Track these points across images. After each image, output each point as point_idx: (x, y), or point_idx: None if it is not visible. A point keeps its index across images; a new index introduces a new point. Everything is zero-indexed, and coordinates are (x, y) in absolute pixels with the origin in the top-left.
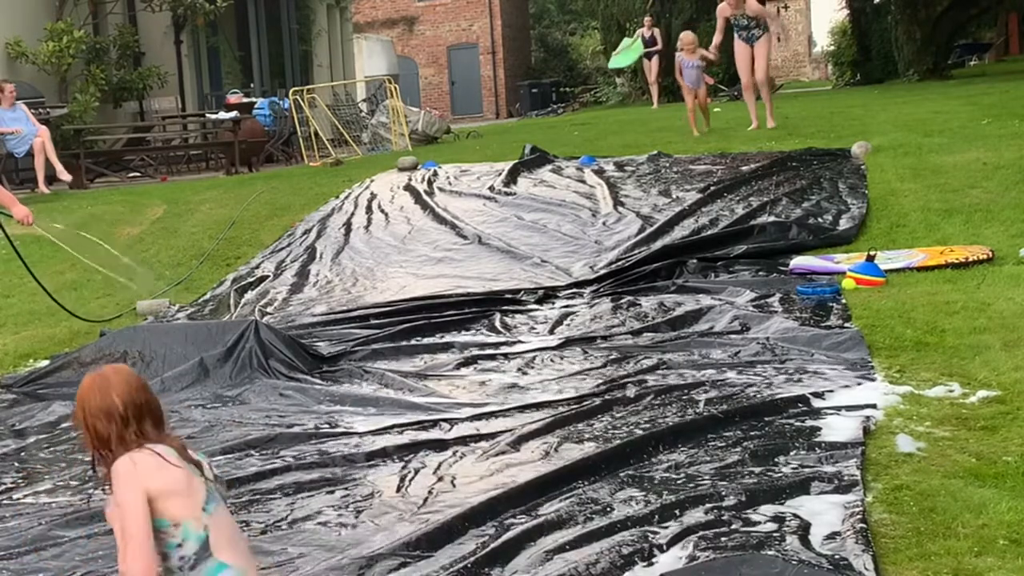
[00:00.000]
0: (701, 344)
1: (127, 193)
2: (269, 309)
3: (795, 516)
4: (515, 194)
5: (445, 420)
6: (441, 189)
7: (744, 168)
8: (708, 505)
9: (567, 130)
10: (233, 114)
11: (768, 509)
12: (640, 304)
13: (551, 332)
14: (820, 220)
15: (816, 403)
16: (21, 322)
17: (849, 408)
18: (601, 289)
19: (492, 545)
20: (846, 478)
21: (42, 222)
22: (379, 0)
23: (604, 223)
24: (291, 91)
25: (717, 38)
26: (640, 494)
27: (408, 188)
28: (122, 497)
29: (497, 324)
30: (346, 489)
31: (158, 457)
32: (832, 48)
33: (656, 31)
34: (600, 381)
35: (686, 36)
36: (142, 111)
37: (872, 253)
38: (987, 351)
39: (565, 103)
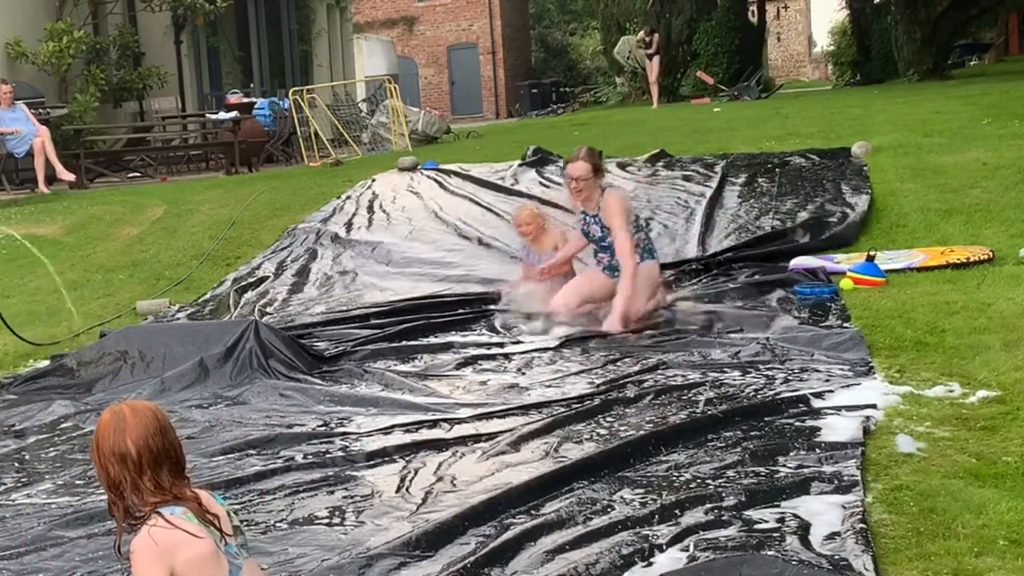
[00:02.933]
0: (701, 344)
1: (127, 193)
2: (269, 309)
3: (795, 516)
4: (517, 195)
5: (445, 420)
6: (442, 189)
7: (745, 170)
8: (708, 505)
9: (567, 130)
10: (233, 114)
11: (768, 509)
12: None
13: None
14: (824, 221)
15: (816, 403)
16: (21, 322)
17: (849, 408)
18: None
19: (492, 545)
20: (846, 478)
21: None
22: (379, 0)
23: None
24: (291, 91)
25: (571, 247)
26: (640, 494)
27: (409, 188)
28: None
29: (497, 324)
30: (346, 489)
31: (179, 532)
32: (832, 48)
33: (655, 36)
34: (600, 381)
35: (521, 215)
36: (142, 111)
37: (872, 253)
38: (987, 351)
39: (565, 103)
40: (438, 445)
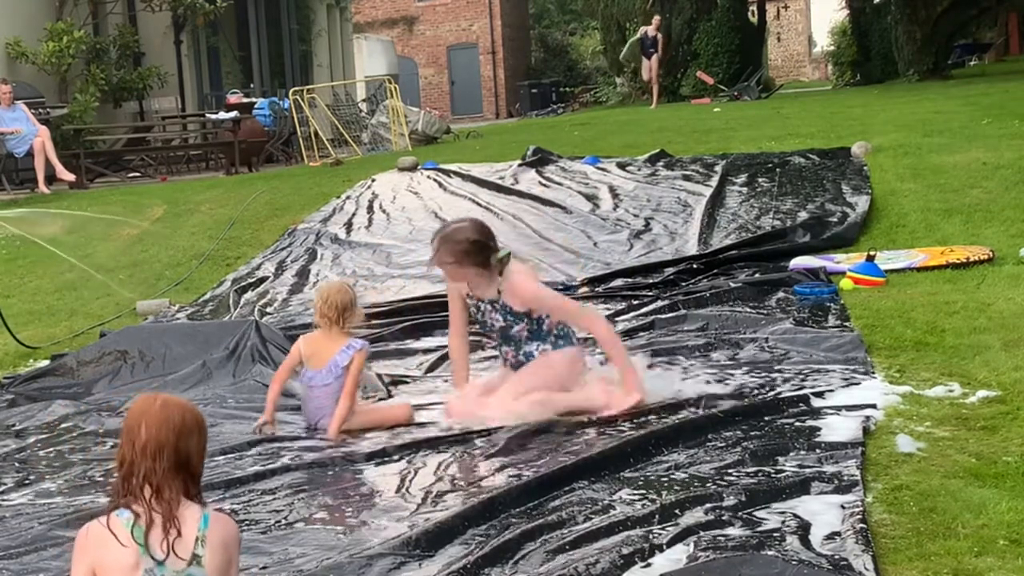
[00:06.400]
0: (701, 344)
1: (127, 193)
2: (269, 309)
3: (795, 516)
4: (516, 194)
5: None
6: (442, 189)
7: (745, 170)
8: (708, 505)
9: (567, 130)
10: (233, 114)
11: (768, 509)
12: (639, 305)
13: None
14: (824, 221)
15: (816, 403)
16: (21, 322)
17: (849, 408)
18: (602, 289)
19: (492, 545)
20: (846, 478)
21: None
22: (379, 0)
23: (606, 224)
24: (291, 91)
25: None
26: (640, 494)
27: (409, 188)
28: (73, 567)
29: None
30: (346, 489)
31: (108, 533)
32: (832, 48)
33: (658, 35)
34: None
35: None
36: (142, 111)
37: (872, 253)
38: (987, 351)
39: (565, 103)
40: (438, 445)
